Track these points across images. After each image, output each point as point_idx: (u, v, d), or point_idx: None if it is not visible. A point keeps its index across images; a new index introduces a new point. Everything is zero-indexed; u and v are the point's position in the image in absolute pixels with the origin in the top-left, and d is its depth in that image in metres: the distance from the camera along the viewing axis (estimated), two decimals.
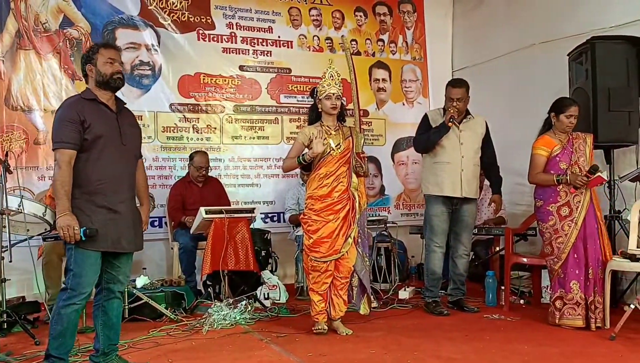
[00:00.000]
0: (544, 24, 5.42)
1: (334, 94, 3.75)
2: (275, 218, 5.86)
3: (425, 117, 4.53)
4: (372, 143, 6.41)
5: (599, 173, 3.76)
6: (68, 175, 2.78)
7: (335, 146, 3.74)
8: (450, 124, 4.26)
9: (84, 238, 2.77)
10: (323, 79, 3.80)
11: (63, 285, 2.89)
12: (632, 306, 3.53)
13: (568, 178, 3.85)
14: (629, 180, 3.85)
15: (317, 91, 3.83)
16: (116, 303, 3.05)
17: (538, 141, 4.04)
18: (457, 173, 4.34)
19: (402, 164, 6.59)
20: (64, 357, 2.87)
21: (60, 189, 2.76)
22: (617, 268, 3.85)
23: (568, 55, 4.74)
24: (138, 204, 3.18)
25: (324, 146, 3.71)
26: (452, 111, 4.26)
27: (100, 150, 2.86)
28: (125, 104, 3.11)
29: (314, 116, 3.88)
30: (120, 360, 3.08)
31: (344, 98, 4.05)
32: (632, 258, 3.74)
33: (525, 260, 4.56)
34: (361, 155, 3.77)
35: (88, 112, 2.85)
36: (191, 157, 5.23)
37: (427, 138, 4.39)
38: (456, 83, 4.42)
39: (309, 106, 4.15)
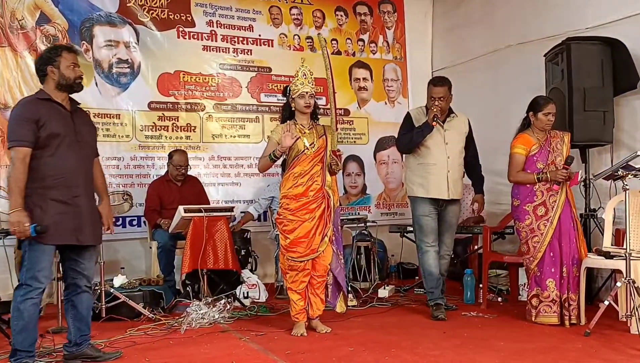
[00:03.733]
0: (521, 26, 5.48)
1: (307, 92, 3.74)
2: (255, 218, 5.83)
3: (408, 116, 4.40)
4: (354, 142, 6.43)
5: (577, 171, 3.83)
6: (22, 172, 2.88)
7: (310, 145, 3.74)
8: (434, 123, 4.14)
9: (33, 234, 2.84)
10: (296, 78, 3.78)
11: (18, 281, 2.98)
12: (607, 302, 3.59)
13: (548, 175, 3.90)
14: (604, 178, 3.89)
15: (290, 90, 3.82)
16: (85, 297, 3.18)
17: (516, 140, 4.07)
18: (443, 174, 4.23)
19: (384, 163, 6.61)
20: (29, 349, 2.96)
21: (13, 186, 2.87)
22: (592, 265, 3.90)
23: (544, 56, 4.80)
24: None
25: (293, 139, 3.69)
26: (435, 109, 4.14)
27: (56, 147, 2.97)
28: (79, 104, 3.23)
29: (287, 114, 3.86)
30: (93, 349, 3.21)
31: (323, 97, 4.05)
32: (607, 255, 3.80)
33: (503, 258, 4.61)
34: (337, 153, 3.77)
35: (43, 111, 2.96)
36: (170, 156, 5.18)
37: (410, 138, 4.26)
38: (438, 82, 4.29)
39: None
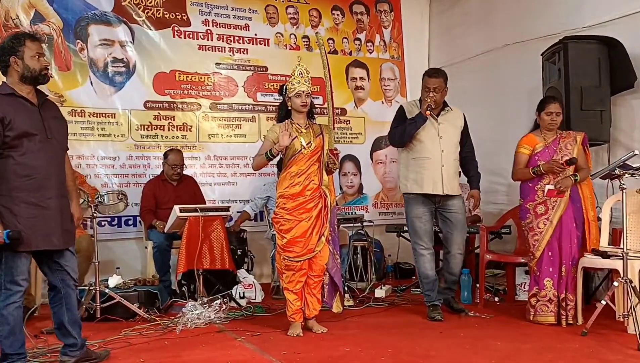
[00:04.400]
0: (517, 25, 5.47)
1: (304, 91, 3.72)
2: (251, 217, 5.81)
3: (401, 109, 4.30)
4: (350, 141, 6.41)
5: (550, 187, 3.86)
6: None
7: (306, 145, 3.72)
8: (427, 113, 4.00)
9: (7, 241, 2.70)
10: (292, 77, 3.76)
11: None
12: (603, 302, 3.58)
13: (541, 168, 3.90)
14: (601, 178, 3.88)
15: (286, 89, 3.80)
16: (72, 296, 3.06)
17: (521, 140, 4.11)
18: (437, 168, 4.10)
19: (381, 163, 6.59)
20: (20, 352, 2.88)
21: None
22: (589, 265, 3.89)
23: (541, 55, 4.79)
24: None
25: (290, 139, 3.68)
26: (429, 100, 4.01)
27: (25, 146, 2.80)
28: (46, 96, 3.03)
29: (284, 113, 3.84)
30: (88, 351, 3.12)
31: (319, 96, 4.03)
32: (604, 255, 3.79)
33: (500, 257, 4.60)
34: (334, 151, 3.74)
35: (8, 108, 2.78)
36: (165, 155, 5.16)
37: (403, 130, 4.13)
38: (433, 73, 4.18)
39: None
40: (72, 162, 3.32)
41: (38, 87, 2.96)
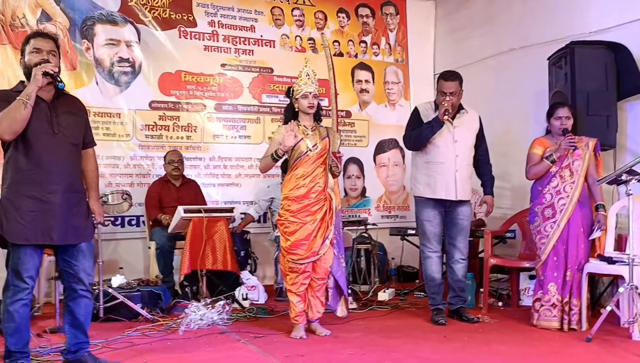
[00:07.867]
0: (523, 29, 5.46)
1: (310, 92, 3.71)
2: (255, 219, 5.81)
3: (416, 111, 4.21)
4: (354, 144, 6.41)
5: None
6: None
7: (312, 147, 3.71)
8: (445, 118, 3.92)
9: None
10: (299, 78, 3.74)
11: (5, 283, 2.85)
12: (609, 308, 3.56)
13: (554, 155, 3.91)
14: (607, 183, 3.87)
15: (293, 90, 3.78)
16: (83, 302, 2.98)
17: (534, 141, 4.13)
18: (451, 173, 4.04)
19: (384, 166, 6.59)
20: (24, 350, 2.87)
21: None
22: (594, 271, 3.88)
23: (548, 59, 4.78)
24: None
25: (295, 140, 3.66)
26: (446, 105, 3.93)
27: (28, 140, 2.79)
28: (66, 93, 3.01)
29: (290, 115, 3.81)
30: (92, 358, 3.05)
31: (325, 98, 4.02)
32: (609, 260, 3.78)
33: (504, 262, 4.59)
34: (337, 154, 3.73)
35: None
36: (164, 157, 5.20)
37: (418, 135, 4.05)
38: (449, 76, 4.06)
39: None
40: None
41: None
